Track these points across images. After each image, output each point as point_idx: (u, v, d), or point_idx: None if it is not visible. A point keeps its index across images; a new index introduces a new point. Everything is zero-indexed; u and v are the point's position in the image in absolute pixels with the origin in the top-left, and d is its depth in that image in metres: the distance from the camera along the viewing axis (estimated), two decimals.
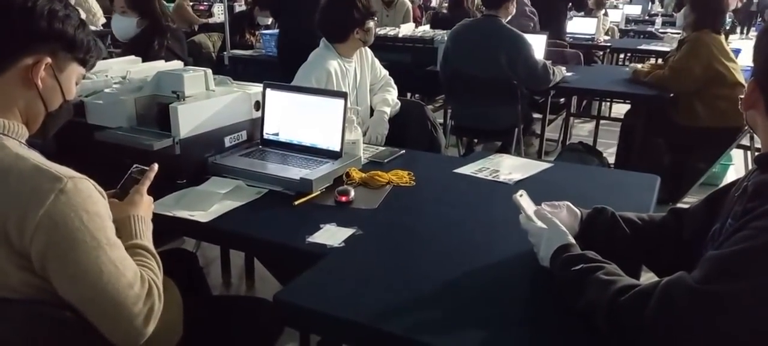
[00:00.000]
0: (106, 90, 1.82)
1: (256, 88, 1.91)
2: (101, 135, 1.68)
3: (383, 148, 2.11)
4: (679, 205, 1.32)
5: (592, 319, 0.98)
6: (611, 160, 3.61)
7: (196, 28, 6.16)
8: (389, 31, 4.45)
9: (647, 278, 1.06)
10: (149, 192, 1.28)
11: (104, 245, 1.01)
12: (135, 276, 1.04)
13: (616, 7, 8.14)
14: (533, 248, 1.20)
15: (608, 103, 5.27)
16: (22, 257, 0.98)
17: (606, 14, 6.22)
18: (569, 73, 3.65)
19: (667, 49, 5.07)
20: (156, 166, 1.31)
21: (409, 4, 5.55)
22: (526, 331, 1.02)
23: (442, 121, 3.72)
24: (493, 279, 1.19)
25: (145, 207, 1.24)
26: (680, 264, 0.95)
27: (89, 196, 1.02)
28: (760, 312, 0.82)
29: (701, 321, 0.85)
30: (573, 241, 1.13)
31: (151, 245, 1.17)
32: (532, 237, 1.20)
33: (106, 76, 1.96)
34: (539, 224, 1.19)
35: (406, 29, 4.54)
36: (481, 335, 0.99)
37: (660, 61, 4.10)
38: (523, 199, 1.26)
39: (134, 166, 1.33)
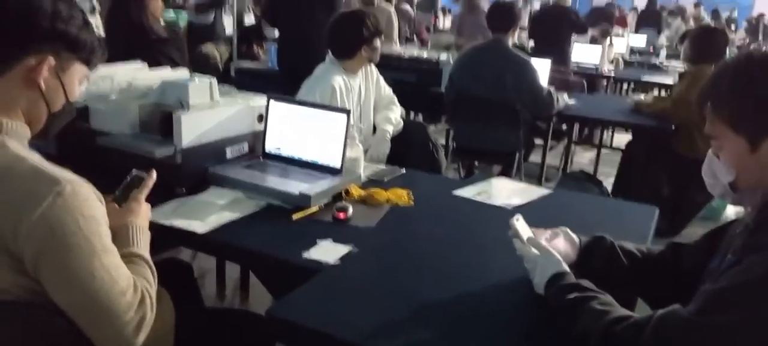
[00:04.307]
0: (111, 96, 1.83)
1: (260, 100, 1.92)
2: (104, 140, 1.69)
3: (384, 166, 2.11)
4: (678, 238, 1.32)
5: None
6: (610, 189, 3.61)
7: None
8: (393, 50, 4.49)
9: (641, 310, 1.06)
10: (148, 200, 1.28)
11: (99, 250, 1.01)
12: (128, 284, 1.04)
13: (621, 36, 8.17)
14: (529, 274, 1.20)
15: (610, 133, 5.28)
16: (15, 259, 0.98)
17: (611, 44, 6.25)
18: (572, 101, 3.67)
19: (670, 81, 5.10)
20: (154, 173, 1.31)
21: (392, 11, 5.57)
22: None
23: (443, 142, 3.72)
24: (488, 303, 1.19)
25: (142, 215, 1.24)
26: (676, 298, 0.95)
27: (87, 200, 1.02)
28: (755, 344, 0.82)
29: None
30: (567, 269, 1.13)
31: (147, 254, 1.17)
32: (528, 263, 1.20)
33: (111, 81, 1.97)
34: (534, 250, 1.19)
35: (412, 49, 4.58)
36: None
37: (663, 93, 4.12)
38: (519, 223, 1.26)
39: (133, 171, 1.33)
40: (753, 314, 0.83)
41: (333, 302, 1.16)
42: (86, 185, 1.04)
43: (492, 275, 1.30)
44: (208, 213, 1.51)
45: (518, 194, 1.84)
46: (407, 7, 7.12)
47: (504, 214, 1.66)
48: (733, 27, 10.44)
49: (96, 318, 1.01)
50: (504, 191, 1.87)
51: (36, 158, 1.04)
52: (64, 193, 0.98)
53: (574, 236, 1.31)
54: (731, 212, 2.81)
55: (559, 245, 1.27)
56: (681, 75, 3.51)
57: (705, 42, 3.32)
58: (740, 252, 0.93)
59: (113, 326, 1.01)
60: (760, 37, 14.54)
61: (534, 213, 1.56)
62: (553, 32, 5.31)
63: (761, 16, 13.53)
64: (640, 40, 8.33)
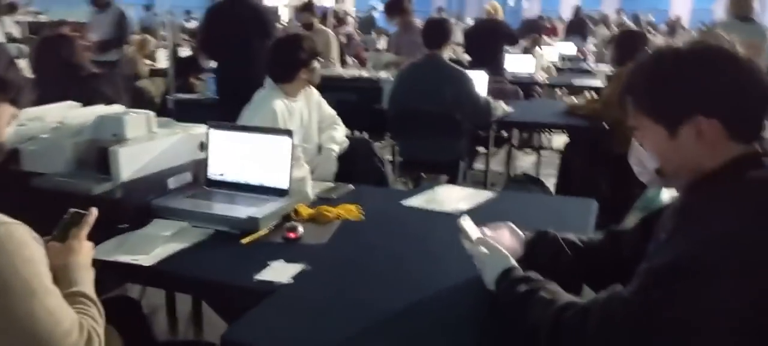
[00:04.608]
0: (43, 135, 1.76)
1: (200, 129, 1.89)
2: (38, 181, 1.63)
3: (332, 184, 2.12)
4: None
5: (536, 338, 1.01)
6: (553, 190, 3.73)
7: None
8: (334, 71, 4.53)
9: (588, 296, 1.10)
10: (89, 238, 1.24)
11: (39, 292, 0.97)
12: (73, 324, 1.00)
13: (550, 45, 8.52)
14: (479, 272, 1.23)
15: (548, 135, 5.47)
16: None
17: (542, 53, 6.51)
18: (509, 108, 3.79)
19: (600, 83, 5.34)
20: (95, 210, 1.27)
21: (331, 34, 5.64)
22: None
23: (390, 158, 3.77)
24: (443, 307, 1.21)
25: (84, 253, 1.20)
26: (619, 283, 1.00)
27: (22, 242, 0.98)
28: (692, 317, 0.87)
29: (638, 331, 0.90)
30: (515, 263, 1.17)
31: (91, 292, 1.13)
32: (478, 262, 1.23)
33: (42, 121, 1.90)
34: (483, 249, 1.23)
35: (352, 70, 4.62)
36: None
37: (594, 94, 4.32)
38: (467, 222, 1.29)
39: (70, 210, 1.28)
40: (685, 287, 0.88)
41: (288, 320, 1.15)
42: (21, 227, 1.00)
43: (445, 278, 1.32)
44: (153, 246, 1.48)
45: (465, 199, 1.88)
46: (350, 29, 7.23)
47: (452, 219, 1.68)
48: (650, 30, 11.10)
49: None
50: (451, 198, 1.91)
51: None
52: None
53: (519, 231, 1.35)
54: (666, 197, 2.96)
55: (505, 242, 1.31)
56: (609, 77, 3.69)
57: (628, 44, 3.51)
58: (671, 232, 0.99)
59: None
60: (678, 37, 15.50)
61: (481, 216, 1.60)
62: (487, 45, 5.47)
63: (678, 18, 14.48)
64: (569, 48, 8.70)
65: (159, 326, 2.42)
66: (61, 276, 1.10)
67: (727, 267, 0.86)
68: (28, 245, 0.99)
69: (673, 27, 14.35)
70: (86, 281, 1.15)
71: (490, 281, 1.18)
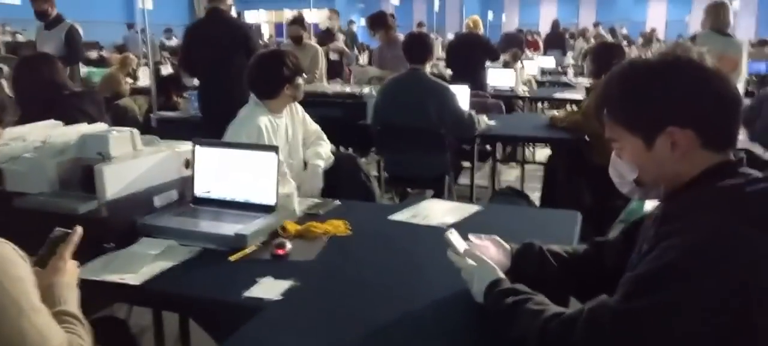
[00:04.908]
0: (25, 155, 1.75)
1: (185, 146, 1.89)
2: (21, 202, 1.61)
3: (319, 200, 2.12)
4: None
5: None
6: (538, 203, 3.77)
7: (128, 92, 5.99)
8: (318, 87, 4.54)
9: (574, 307, 1.12)
10: (75, 257, 1.23)
11: (27, 310, 0.97)
12: (61, 342, 1.00)
13: (531, 59, 8.65)
14: (467, 285, 1.24)
15: (532, 149, 5.54)
16: None
17: (522, 67, 6.61)
18: (492, 122, 3.84)
19: (580, 96, 5.43)
20: (80, 229, 1.26)
21: (319, 50, 5.66)
22: None
23: (375, 173, 3.79)
24: (431, 319, 1.22)
25: (69, 273, 1.19)
26: (604, 292, 1.02)
27: (9, 260, 0.98)
28: (676, 323, 0.89)
29: (625, 339, 0.92)
30: (503, 275, 1.19)
31: (77, 311, 1.13)
32: (465, 274, 1.25)
33: (24, 141, 1.88)
34: (470, 262, 1.24)
35: (335, 86, 4.64)
36: None
37: (575, 107, 4.39)
38: (453, 236, 1.31)
39: (56, 229, 1.27)
40: (667, 296, 0.91)
41: (279, 337, 1.15)
42: (7, 245, 1.00)
43: (433, 291, 1.33)
44: (141, 265, 1.47)
45: (451, 213, 1.90)
46: (341, 45, 7.27)
47: (439, 233, 1.70)
48: (625, 42, 11.31)
49: None
50: (437, 212, 1.92)
51: None
52: None
53: (505, 244, 1.37)
54: (649, 208, 3.00)
55: (492, 254, 1.32)
56: (588, 89, 3.76)
57: (604, 57, 3.57)
58: (652, 241, 1.01)
59: None
60: (655, 47, 15.85)
61: (467, 229, 1.62)
62: (468, 59, 5.55)
63: (653, 30, 14.81)
64: (549, 62, 8.85)
65: None
66: (47, 297, 1.09)
67: (705, 273, 0.89)
68: (16, 264, 0.99)
69: (650, 39, 14.64)
70: (71, 300, 1.14)
71: (478, 293, 1.19)
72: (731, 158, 1.02)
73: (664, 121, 1.00)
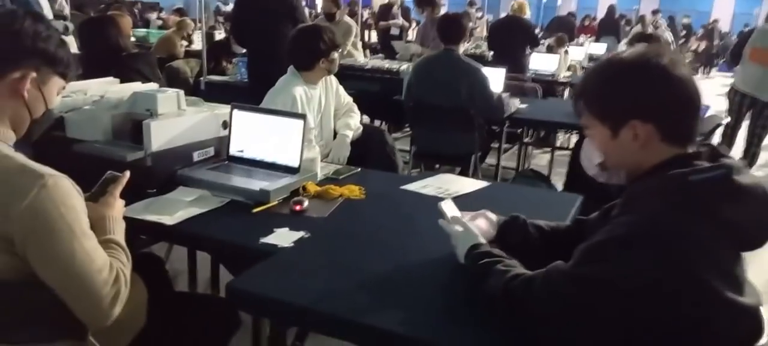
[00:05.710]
0: (85, 107, 1.99)
1: (224, 109, 2.10)
2: (79, 147, 1.85)
3: (340, 166, 2.31)
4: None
5: (493, 302, 1.18)
6: (560, 187, 3.85)
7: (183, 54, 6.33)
8: (357, 61, 4.69)
9: None
10: (122, 197, 1.45)
11: (78, 235, 1.17)
12: (104, 263, 1.20)
13: (580, 45, 8.53)
14: (453, 248, 1.40)
15: (566, 135, 5.56)
16: (7, 242, 1.14)
17: (566, 52, 6.57)
18: (523, 105, 3.92)
19: None
20: (128, 173, 1.48)
21: (353, 25, 5.78)
22: (444, 311, 1.23)
23: (408, 148, 3.94)
24: (419, 273, 1.39)
25: (117, 209, 1.41)
26: None
27: (67, 192, 1.18)
28: (614, 291, 1.03)
29: (573, 298, 1.06)
30: (483, 241, 1.34)
31: (122, 241, 1.34)
32: (452, 239, 1.41)
33: (85, 94, 2.13)
34: (457, 228, 1.40)
35: (374, 60, 4.79)
36: (410, 314, 1.19)
37: None
38: (447, 205, 1.46)
39: (108, 172, 1.50)
40: (607, 266, 1.03)
41: (286, 275, 1.34)
42: (67, 179, 1.20)
43: (427, 250, 1.49)
44: (176, 209, 1.69)
45: (458, 186, 2.04)
46: (400, 21, 7.45)
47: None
48: (683, 32, 10.93)
49: (77, 293, 1.17)
50: (447, 185, 2.08)
51: (22, 157, 1.21)
52: (47, 185, 1.14)
53: (493, 216, 1.52)
54: None
55: (480, 224, 1.47)
56: None
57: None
58: (613, 217, 1.15)
59: (91, 300, 1.17)
60: (716, 41, 15.22)
61: (466, 201, 1.78)
62: (508, 42, 5.59)
63: (715, 22, 14.20)
64: (599, 49, 8.69)
65: (179, 286, 2.65)
66: (98, 226, 1.30)
67: (642, 250, 1.01)
68: (72, 195, 1.19)
69: (711, 31, 14.08)
70: (119, 231, 1.35)
71: (460, 255, 1.35)
72: (687, 152, 1.13)
73: (629, 114, 1.13)
